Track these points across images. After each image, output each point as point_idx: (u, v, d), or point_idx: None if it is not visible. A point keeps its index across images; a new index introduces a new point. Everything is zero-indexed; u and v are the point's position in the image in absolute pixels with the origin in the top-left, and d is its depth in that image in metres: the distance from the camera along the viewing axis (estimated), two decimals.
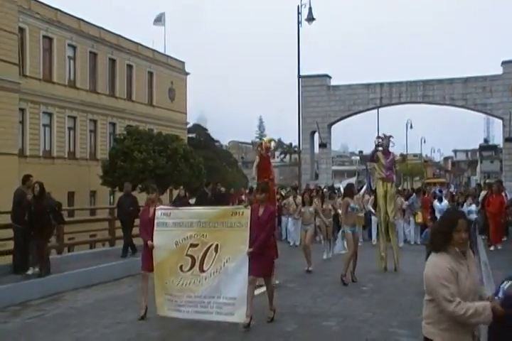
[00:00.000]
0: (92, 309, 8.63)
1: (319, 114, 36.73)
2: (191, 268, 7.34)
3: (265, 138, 13.83)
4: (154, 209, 7.88)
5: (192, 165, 28.47)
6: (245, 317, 7.07)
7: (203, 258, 7.30)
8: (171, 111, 39.86)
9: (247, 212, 7.40)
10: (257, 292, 7.86)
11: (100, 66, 33.75)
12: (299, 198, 15.06)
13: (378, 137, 12.45)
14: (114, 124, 34.83)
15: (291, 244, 16.84)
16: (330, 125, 37.47)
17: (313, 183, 27.54)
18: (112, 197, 29.19)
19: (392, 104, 37.33)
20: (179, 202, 15.74)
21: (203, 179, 27.89)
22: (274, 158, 14.20)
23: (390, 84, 36.32)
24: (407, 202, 17.14)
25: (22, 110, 27.10)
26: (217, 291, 7.16)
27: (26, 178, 10.86)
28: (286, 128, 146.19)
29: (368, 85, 36.86)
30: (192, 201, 16.68)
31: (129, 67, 36.59)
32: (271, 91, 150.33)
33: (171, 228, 7.66)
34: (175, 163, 27.38)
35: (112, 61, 34.92)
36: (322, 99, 36.93)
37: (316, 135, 37.42)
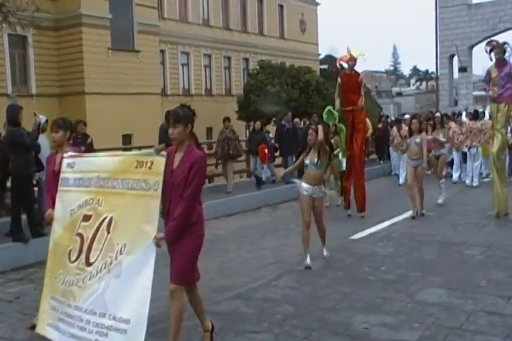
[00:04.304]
0: (234, 236, 8.98)
1: (458, 36, 34.35)
2: (78, 256, 4.43)
3: (350, 50, 10.28)
4: (62, 158, 5.09)
5: (325, 97, 28.18)
6: None
7: (92, 241, 4.37)
8: (302, 43, 39.35)
9: (160, 161, 4.15)
10: None
11: (232, 3, 33.97)
12: (405, 129, 12.76)
13: (488, 43, 9.38)
14: (247, 60, 35.25)
15: (400, 181, 14.16)
16: (471, 47, 35.00)
17: (450, 110, 26.20)
18: (247, 131, 29.96)
19: None
20: (254, 137, 14.08)
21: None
22: (359, 78, 10.09)
23: None
24: None
25: (162, 51, 28.32)
26: (102, 304, 4.13)
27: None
28: (422, 55, 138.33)
29: None
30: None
31: (260, 1, 36.38)
32: (405, 16, 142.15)
33: (71, 187, 4.82)
34: (308, 95, 27.40)
35: None
36: (462, 19, 34.37)
37: (455, 59, 35.25)
